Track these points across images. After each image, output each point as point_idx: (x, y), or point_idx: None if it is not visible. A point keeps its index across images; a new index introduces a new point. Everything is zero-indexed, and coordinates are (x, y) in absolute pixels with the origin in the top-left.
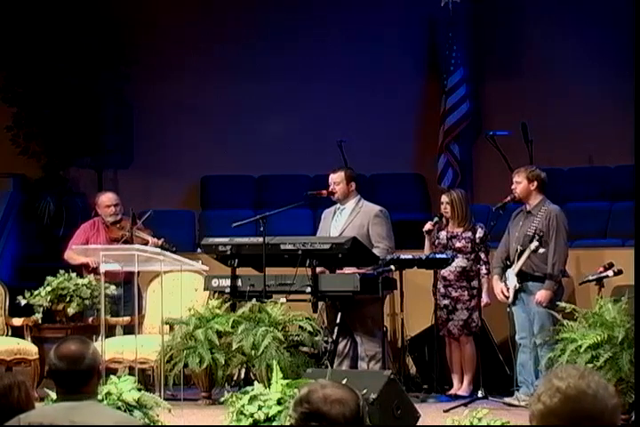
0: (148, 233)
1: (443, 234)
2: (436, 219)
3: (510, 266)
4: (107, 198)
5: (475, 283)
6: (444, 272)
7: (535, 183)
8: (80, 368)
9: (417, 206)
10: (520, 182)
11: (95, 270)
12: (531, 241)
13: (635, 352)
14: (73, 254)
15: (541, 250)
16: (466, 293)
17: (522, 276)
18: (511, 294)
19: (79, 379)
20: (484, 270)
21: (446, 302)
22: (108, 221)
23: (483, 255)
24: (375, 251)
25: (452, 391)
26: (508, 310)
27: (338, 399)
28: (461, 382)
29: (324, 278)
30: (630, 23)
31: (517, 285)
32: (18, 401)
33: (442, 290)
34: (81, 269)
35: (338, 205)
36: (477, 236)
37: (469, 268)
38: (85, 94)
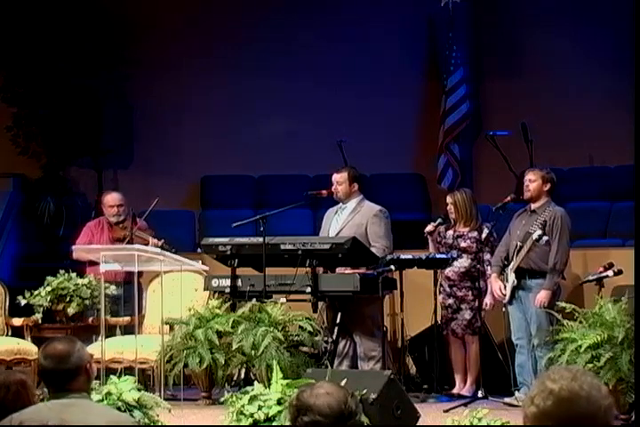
0: (149, 233)
1: (450, 234)
2: (439, 220)
3: (509, 265)
4: (111, 198)
5: (479, 283)
6: (448, 272)
7: (548, 185)
8: (66, 367)
9: (417, 206)
10: (535, 181)
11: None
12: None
13: (635, 352)
14: (81, 253)
15: (545, 238)
16: (470, 293)
17: (519, 273)
18: (508, 292)
19: (66, 377)
20: (488, 271)
21: (451, 301)
22: (112, 220)
23: (488, 256)
24: (372, 250)
25: (455, 391)
26: (504, 309)
27: (324, 392)
28: (464, 381)
29: (324, 278)
30: (630, 23)
31: (515, 281)
32: (3, 400)
33: (447, 289)
34: (82, 269)
35: (340, 204)
36: (482, 236)
37: (472, 268)
38: (85, 94)
